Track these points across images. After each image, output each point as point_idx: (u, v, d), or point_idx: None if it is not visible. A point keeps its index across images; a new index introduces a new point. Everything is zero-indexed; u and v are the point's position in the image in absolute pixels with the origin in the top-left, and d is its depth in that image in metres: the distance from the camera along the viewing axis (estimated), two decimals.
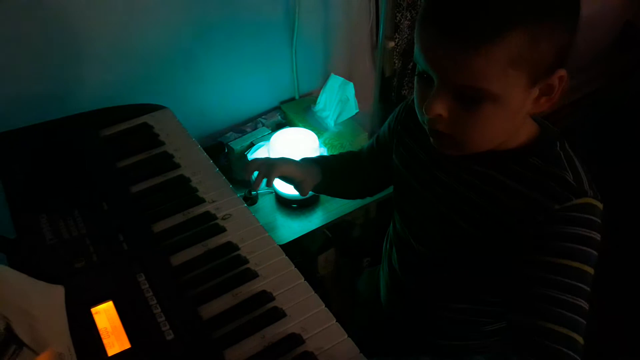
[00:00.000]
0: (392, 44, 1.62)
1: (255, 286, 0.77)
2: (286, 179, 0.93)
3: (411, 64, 1.66)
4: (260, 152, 1.40)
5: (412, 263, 0.90)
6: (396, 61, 1.66)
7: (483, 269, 0.76)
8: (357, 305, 1.20)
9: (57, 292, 0.71)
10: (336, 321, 0.73)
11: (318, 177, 0.96)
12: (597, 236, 0.64)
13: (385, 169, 0.93)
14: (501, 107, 0.61)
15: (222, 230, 0.85)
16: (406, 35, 1.62)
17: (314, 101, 1.53)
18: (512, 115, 0.64)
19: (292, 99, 1.60)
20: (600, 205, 0.66)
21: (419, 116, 0.71)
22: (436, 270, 0.85)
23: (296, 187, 0.96)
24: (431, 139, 0.71)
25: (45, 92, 1.19)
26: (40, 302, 0.67)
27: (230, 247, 0.82)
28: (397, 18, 1.59)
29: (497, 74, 0.58)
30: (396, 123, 0.89)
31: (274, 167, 0.90)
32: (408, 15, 1.59)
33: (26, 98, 1.16)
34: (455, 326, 0.89)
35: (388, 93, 1.73)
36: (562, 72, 0.62)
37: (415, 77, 0.69)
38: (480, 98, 0.61)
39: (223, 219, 0.87)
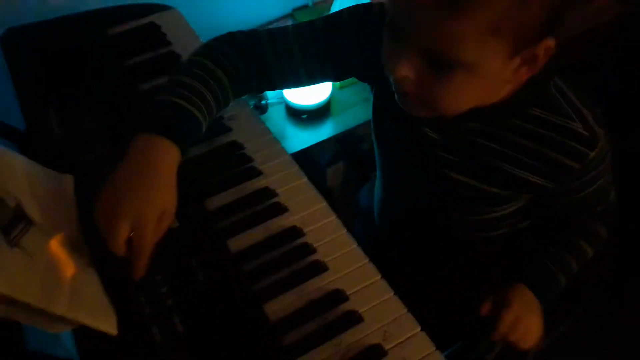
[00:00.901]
0: None
1: (258, 183, 0.78)
2: None
3: None
4: None
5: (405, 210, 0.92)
6: None
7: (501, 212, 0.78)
8: (356, 216, 1.22)
9: (67, 181, 0.73)
10: (337, 217, 0.75)
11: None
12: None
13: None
14: (474, 76, 0.56)
15: (228, 129, 0.85)
16: None
17: (328, 9, 1.48)
18: (486, 84, 0.59)
19: (306, 6, 1.54)
20: (607, 135, 0.67)
21: (385, 70, 0.63)
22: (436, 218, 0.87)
23: None
24: (396, 97, 0.64)
25: None
26: (51, 189, 0.69)
27: (238, 146, 0.83)
28: None
29: (474, 41, 0.51)
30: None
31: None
32: None
33: None
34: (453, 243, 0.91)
35: None
36: (550, 42, 0.55)
37: (384, 26, 0.61)
38: (451, 65, 0.55)
39: (229, 118, 0.87)
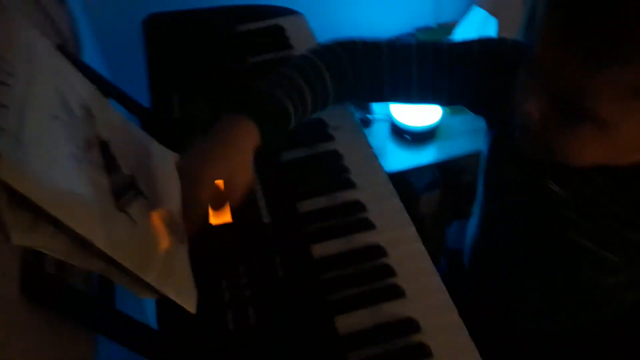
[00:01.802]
0: None
1: (351, 195, 0.79)
2: None
3: None
4: None
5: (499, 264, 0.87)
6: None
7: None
8: (443, 253, 1.18)
9: (176, 159, 0.77)
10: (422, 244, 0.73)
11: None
12: None
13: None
14: (605, 133, 0.52)
15: (331, 138, 0.87)
16: None
17: (450, 33, 1.46)
18: (618, 143, 0.54)
19: (429, 27, 1.54)
20: None
21: (514, 102, 0.61)
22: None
23: None
24: (517, 133, 0.62)
25: None
26: (162, 164, 0.74)
27: (336, 155, 0.84)
28: None
29: (613, 99, 0.48)
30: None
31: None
32: None
33: None
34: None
35: (534, 38, 1.60)
36: None
37: (524, 61, 0.58)
38: (583, 117, 0.52)
39: (334, 128, 0.89)
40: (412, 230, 0.75)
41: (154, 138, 0.77)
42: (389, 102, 0.87)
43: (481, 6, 1.41)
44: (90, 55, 1.03)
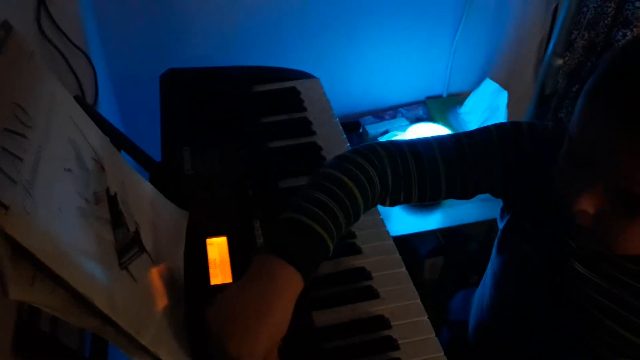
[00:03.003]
0: (560, 61, 1.52)
1: (356, 261, 0.78)
2: None
3: (576, 86, 1.54)
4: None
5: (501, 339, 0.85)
6: (560, 80, 1.54)
7: None
8: (445, 323, 1.15)
9: (183, 216, 0.77)
10: (427, 318, 0.72)
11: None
12: None
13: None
14: None
15: None
16: (578, 56, 1.50)
17: (462, 102, 1.49)
18: None
19: (439, 96, 1.57)
20: None
21: (562, 198, 0.59)
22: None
23: None
24: (570, 228, 0.61)
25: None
26: (168, 220, 0.74)
27: None
28: (573, 36, 1.48)
29: None
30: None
31: None
32: (585, 34, 1.47)
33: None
34: None
35: (544, 112, 1.62)
36: None
37: (566, 152, 0.57)
38: (629, 207, 0.51)
39: None
40: (417, 302, 0.74)
41: (162, 193, 0.77)
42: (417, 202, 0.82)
43: (493, 79, 1.44)
44: (106, 106, 1.05)
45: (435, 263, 1.57)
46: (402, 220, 1.40)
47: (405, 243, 1.39)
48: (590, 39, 1.48)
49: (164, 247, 0.70)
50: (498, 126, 0.74)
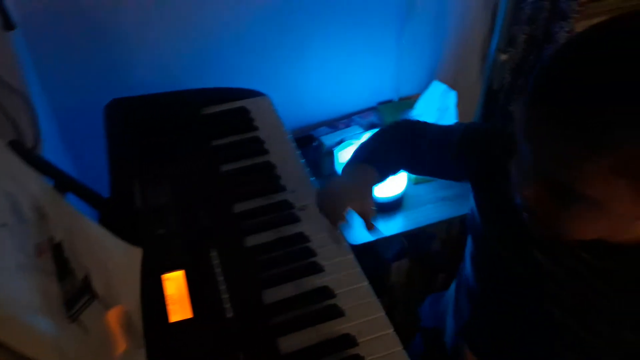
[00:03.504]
0: (504, 56, 1.55)
1: (318, 280, 0.77)
2: None
3: (522, 80, 1.58)
4: (349, 150, 1.40)
5: (484, 326, 0.85)
6: (507, 75, 1.58)
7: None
8: (418, 330, 1.15)
9: (136, 254, 0.75)
10: (394, 331, 0.72)
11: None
12: None
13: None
14: (600, 212, 0.53)
15: (297, 219, 0.86)
16: (521, 50, 1.54)
17: (413, 105, 1.50)
18: (614, 220, 0.55)
19: (390, 101, 1.58)
20: None
21: (512, 189, 0.62)
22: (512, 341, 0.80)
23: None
24: (524, 215, 0.63)
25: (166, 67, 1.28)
26: (120, 260, 0.72)
27: (302, 237, 0.83)
28: (513, 31, 1.52)
29: (602, 180, 0.50)
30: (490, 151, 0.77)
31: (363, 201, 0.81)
32: (526, 29, 1.51)
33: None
34: None
35: (493, 107, 1.66)
36: None
37: (515, 150, 0.60)
38: (576, 198, 0.53)
39: (300, 209, 0.88)
40: (381, 315, 0.74)
41: (113, 231, 0.75)
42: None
43: (441, 79, 1.47)
44: (50, 145, 1.01)
45: (401, 266, 1.58)
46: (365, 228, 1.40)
47: (369, 249, 1.40)
48: (530, 33, 1.52)
49: (117, 290, 0.68)
50: (469, 126, 0.84)
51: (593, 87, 0.47)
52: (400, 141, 0.89)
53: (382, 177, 0.86)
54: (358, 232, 1.38)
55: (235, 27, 1.28)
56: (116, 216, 0.82)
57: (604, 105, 0.46)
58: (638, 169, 0.47)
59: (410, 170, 0.95)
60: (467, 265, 0.88)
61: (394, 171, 0.90)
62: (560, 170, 0.52)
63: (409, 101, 1.55)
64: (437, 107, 1.44)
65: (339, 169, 1.44)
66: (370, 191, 0.84)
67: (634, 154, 0.47)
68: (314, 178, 0.95)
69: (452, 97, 1.44)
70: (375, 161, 0.85)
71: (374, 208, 0.82)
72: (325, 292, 0.75)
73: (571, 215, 0.55)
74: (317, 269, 0.78)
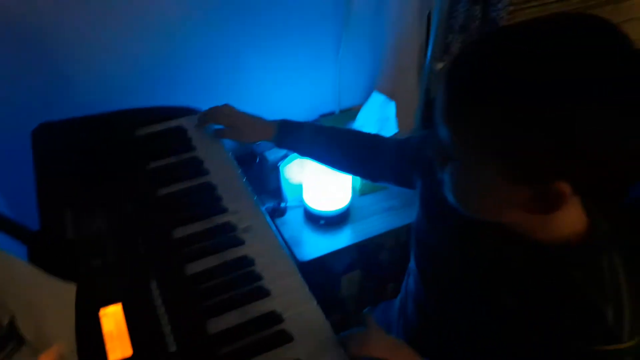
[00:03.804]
0: (440, 65, 1.58)
1: (265, 305, 0.75)
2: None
3: None
4: (294, 165, 1.39)
5: (427, 326, 0.86)
6: None
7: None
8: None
9: (69, 290, 0.71)
10: (344, 352, 0.70)
11: (281, 136, 0.98)
12: None
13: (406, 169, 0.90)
14: (466, 176, 0.59)
15: (241, 242, 0.84)
16: None
17: (354, 117, 1.51)
18: (482, 193, 0.59)
19: (332, 113, 1.58)
20: (635, 342, 0.59)
21: None
22: (451, 341, 0.81)
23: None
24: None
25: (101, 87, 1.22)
26: (51, 298, 0.67)
27: (246, 261, 0.81)
28: (448, 39, 1.55)
29: (463, 146, 0.56)
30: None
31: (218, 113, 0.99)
32: (459, 37, 1.55)
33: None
34: None
35: (431, 115, 1.68)
36: (563, 186, 0.52)
37: None
38: (450, 157, 0.59)
39: (243, 231, 0.86)
40: (330, 336, 0.72)
41: (43, 266, 0.70)
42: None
43: (382, 91, 1.48)
44: None
45: (352, 277, 1.57)
46: (314, 242, 1.39)
47: (320, 264, 1.38)
48: (464, 41, 1.56)
49: (50, 330, 0.64)
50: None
51: (469, 71, 0.53)
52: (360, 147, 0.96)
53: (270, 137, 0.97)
54: (307, 248, 1.37)
55: (171, 44, 1.25)
56: (47, 250, 0.77)
57: (468, 85, 0.53)
58: (492, 148, 0.53)
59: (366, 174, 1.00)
60: (412, 270, 0.89)
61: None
62: (443, 133, 0.57)
63: (351, 112, 1.56)
64: (378, 117, 1.45)
65: (285, 184, 1.43)
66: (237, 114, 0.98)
67: (484, 134, 0.52)
68: (256, 197, 0.93)
69: (391, 107, 1.45)
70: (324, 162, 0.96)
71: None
72: (273, 317, 0.73)
73: (449, 175, 0.61)
74: (263, 293, 0.76)
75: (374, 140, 0.97)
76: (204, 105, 1.11)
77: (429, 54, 1.56)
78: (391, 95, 1.48)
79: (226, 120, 1.00)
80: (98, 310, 0.70)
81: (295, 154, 1.31)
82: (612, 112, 0.47)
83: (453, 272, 0.75)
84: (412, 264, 0.89)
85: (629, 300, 0.60)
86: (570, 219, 0.61)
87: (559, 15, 0.52)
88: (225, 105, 1.01)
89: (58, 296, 0.69)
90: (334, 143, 0.96)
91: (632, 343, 0.59)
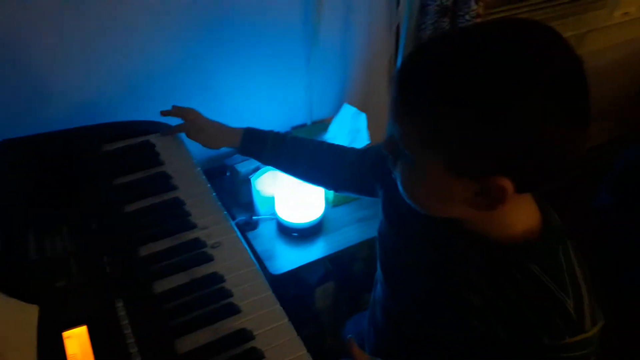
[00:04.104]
0: None
1: (236, 322, 0.74)
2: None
3: None
4: (266, 177, 1.38)
5: (395, 333, 0.86)
6: None
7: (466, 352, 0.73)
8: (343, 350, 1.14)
9: (31, 312, 0.68)
10: None
11: (245, 143, 0.97)
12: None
13: (368, 179, 0.91)
14: (414, 172, 0.60)
15: (210, 259, 0.82)
16: None
17: (326, 128, 1.51)
18: (430, 189, 0.60)
19: (304, 125, 1.58)
20: (598, 328, 0.62)
21: None
22: (419, 346, 0.81)
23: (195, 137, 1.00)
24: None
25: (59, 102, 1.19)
26: (11, 322, 0.65)
27: (216, 278, 0.80)
28: None
29: (412, 143, 0.58)
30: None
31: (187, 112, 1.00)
32: None
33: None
34: None
35: None
36: (504, 182, 0.54)
37: None
38: (400, 153, 0.61)
39: (212, 247, 0.85)
40: (303, 353, 0.72)
41: (4, 290, 0.68)
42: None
43: (352, 102, 1.48)
44: None
45: (326, 289, 1.56)
46: (287, 255, 1.38)
47: (294, 276, 1.37)
48: None
49: (10, 355, 0.61)
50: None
51: (417, 73, 0.55)
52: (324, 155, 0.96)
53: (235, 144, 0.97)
54: (280, 261, 1.35)
55: (141, 58, 1.23)
56: (7, 272, 0.75)
57: (414, 82, 0.55)
58: (438, 145, 0.55)
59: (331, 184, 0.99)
60: (379, 277, 0.89)
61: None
62: (395, 128, 0.59)
63: (322, 124, 1.56)
64: (349, 129, 1.45)
65: (256, 196, 1.42)
66: (201, 119, 1.00)
67: (431, 130, 0.54)
68: (226, 212, 0.92)
69: (362, 119, 1.46)
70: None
71: None
72: (244, 335, 0.72)
73: (399, 171, 0.63)
74: (233, 310, 0.75)
75: (335, 150, 0.97)
76: (173, 120, 1.10)
77: (397, 66, 1.57)
78: (362, 107, 1.49)
79: (192, 121, 1.00)
80: (61, 333, 0.68)
81: (268, 167, 1.31)
82: (545, 109, 0.49)
83: (418, 276, 0.75)
84: (378, 272, 0.90)
85: (586, 289, 0.62)
86: (524, 216, 0.63)
87: (504, 19, 0.55)
88: (191, 109, 1.01)
89: (19, 319, 0.66)
90: (296, 152, 0.96)
91: (595, 330, 0.62)
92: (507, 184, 0.54)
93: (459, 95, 0.51)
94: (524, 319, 0.63)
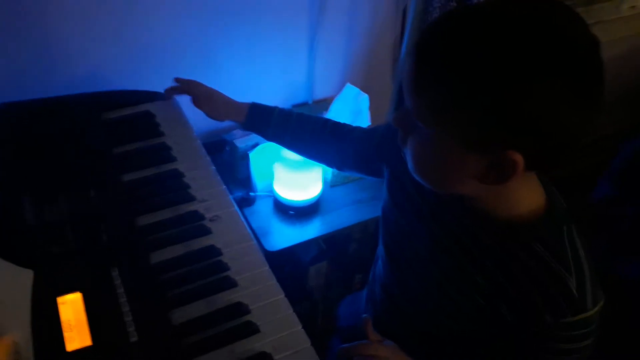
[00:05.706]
0: None
1: (232, 296, 0.74)
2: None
3: None
4: (265, 154, 1.37)
5: (394, 312, 0.86)
6: None
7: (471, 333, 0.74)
8: (335, 330, 1.15)
9: (25, 277, 0.68)
10: (311, 344, 0.70)
11: (251, 118, 0.97)
12: (590, 339, 0.65)
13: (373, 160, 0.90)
14: (426, 146, 0.60)
15: (208, 232, 0.82)
16: None
17: (327, 108, 1.49)
18: (441, 162, 0.60)
19: (305, 104, 1.56)
20: (599, 307, 0.63)
21: None
22: (418, 325, 0.82)
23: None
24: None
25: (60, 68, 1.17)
26: (5, 286, 0.65)
27: (213, 251, 0.79)
28: None
29: (426, 115, 0.57)
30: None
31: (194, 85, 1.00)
32: None
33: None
34: None
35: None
36: (516, 156, 0.54)
37: None
38: (414, 126, 0.60)
39: (211, 220, 0.84)
40: (298, 329, 0.72)
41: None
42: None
43: (354, 83, 1.47)
44: None
45: (320, 268, 1.57)
46: (282, 233, 1.37)
47: (288, 254, 1.37)
48: None
49: (4, 318, 0.61)
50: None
51: (436, 45, 0.54)
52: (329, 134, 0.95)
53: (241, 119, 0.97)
54: (275, 238, 1.35)
55: (141, 32, 1.21)
56: (3, 236, 0.74)
57: (430, 56, 0.54)
58: (449, 117, 0.54)
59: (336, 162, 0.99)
60: (380, 254, 0.89)
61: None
62: (409, 101, 0.58)
63: (324, 103, 1.54)
64: (351, 110, 1.44)
65: (255, 172, 1.41)
66: (208, 91, 1.00)
67: (443, 103, 0.54)
68: (225, 186, 0.91)
69: (364, 100, 1.45)
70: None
71: None
72: (240, 308, 0.72)
73: (410, 143, 0.62)
74: (230, 284, 0.75)
75: (341, 128, 0.96)
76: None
77: (403, 48, 1.55)
78: (365, 88, 1.47)
79: (200, 92, 0.99)
80: (55, 298, 0.68)
81: (267, 142, 1.30)
82: (555, 87, 0.50)
83: (422, 254, 0.76)
84: (380, 249, 0.90)
85: (589, 269, 0.63)
86: (530, 195, 0.64)
87: None
88: (195, 81, 1.01)
89: (13, 283, 0.66)
90: (302, 129, 0.96)
91: (596, 309, 0.63)
92: (519, 158, 0.54)
93: (474, 72, 0.51)
94: (527, 297, 0.64)
